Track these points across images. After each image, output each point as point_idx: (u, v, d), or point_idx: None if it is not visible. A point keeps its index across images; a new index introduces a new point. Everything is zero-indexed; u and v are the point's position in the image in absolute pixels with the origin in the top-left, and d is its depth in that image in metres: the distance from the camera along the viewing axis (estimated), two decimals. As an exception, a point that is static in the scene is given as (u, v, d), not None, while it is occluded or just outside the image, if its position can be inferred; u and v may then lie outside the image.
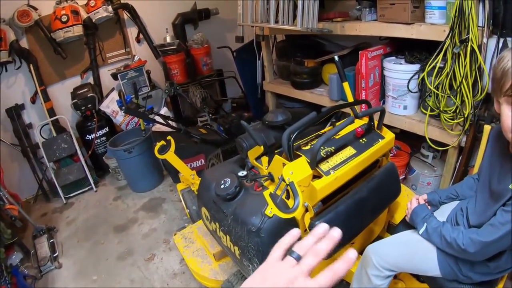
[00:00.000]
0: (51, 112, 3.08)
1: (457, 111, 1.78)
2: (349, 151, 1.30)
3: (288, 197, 1.16)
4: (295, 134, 1.16)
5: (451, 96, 1.76)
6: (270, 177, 1.35)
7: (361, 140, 1.37)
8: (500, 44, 1.58)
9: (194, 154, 2.61)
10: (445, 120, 1.86)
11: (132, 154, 2.82)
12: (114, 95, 3.16)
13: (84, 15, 2.99)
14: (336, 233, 0.54)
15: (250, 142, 1.63)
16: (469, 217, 1.15)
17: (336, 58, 1.56)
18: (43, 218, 2.98)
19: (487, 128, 1.70)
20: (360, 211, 1.32)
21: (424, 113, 1.99)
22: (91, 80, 3.32)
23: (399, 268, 1.19)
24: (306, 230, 1.25)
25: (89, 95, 3.07)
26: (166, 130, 2.71)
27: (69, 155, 3.11)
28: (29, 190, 3.25)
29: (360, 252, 1.66)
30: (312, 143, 1.29)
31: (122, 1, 3.18)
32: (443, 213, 1.29)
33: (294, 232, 0.58)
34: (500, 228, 0.93)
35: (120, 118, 3.19)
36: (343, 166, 1.23)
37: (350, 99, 1.61)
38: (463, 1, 1.55)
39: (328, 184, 1.17)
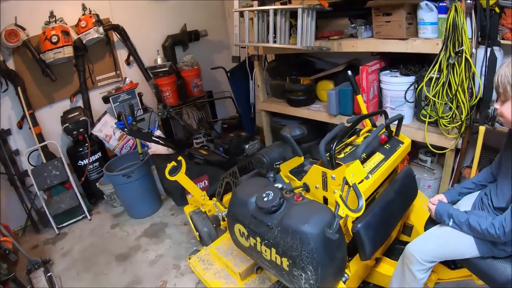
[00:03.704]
0: (40, 137, 2.93)
1: (454, 116, 1.95)
2: (378, 156, 1.39)
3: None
4: (334, 144, 1.23)
5: (449, 103, 1.92)
6: (306, 187, 1.40)
7: (385, 146, 1.47)
8: (488, 53, 1.79)
9: (198, 176, 2.57)
10: (443, 125, 2.02)
11: (131, 179, 2.73)
12: (107, 119, 3.09)
13: (74, 36, 2.93)
14: None
15: (271, 156, 1.68)
16: (492, 200, 1.28)
17: (350, 72, 1.68)
18: (34, 250, 2.77)
19: (481, 129, 1.89)
20: (390, 212, 1.40)
21: (421, 121, 2.16)
22: (80, 103, 3.22)
23: (440, 258, 1.27)
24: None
25: (81, 119, 2.95)
26: (164, 152, 2.67)
27: (60, 183, 2.97)
28: (16, 221, 3.02)
29: (383, 254, 1.74)
30: (345, 150, 1.36)
31: (112, 23, 3.16)
32: (468, 202, 1.39)
33: None
34: None
35: (114, 142, 3.11)
36: (377, 170, 1.32)
37: (364, 110, 1.72)
38: (456, 17, 1.75)
39: (369, 187, 1.25)
